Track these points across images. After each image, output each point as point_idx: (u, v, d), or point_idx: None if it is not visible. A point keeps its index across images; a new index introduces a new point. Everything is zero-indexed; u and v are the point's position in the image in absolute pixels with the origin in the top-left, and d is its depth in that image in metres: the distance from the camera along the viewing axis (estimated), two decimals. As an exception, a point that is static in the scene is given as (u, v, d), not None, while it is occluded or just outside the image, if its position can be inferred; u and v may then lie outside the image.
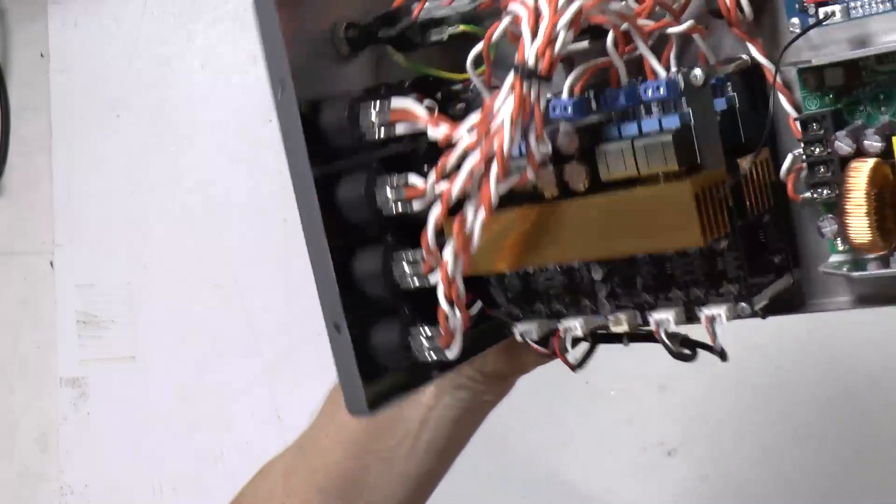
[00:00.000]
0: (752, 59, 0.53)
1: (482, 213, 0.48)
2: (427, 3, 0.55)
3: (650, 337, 0.54)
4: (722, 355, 0.54)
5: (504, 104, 0.47)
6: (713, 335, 0.52)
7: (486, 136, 0.47)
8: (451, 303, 0.49)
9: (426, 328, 0.52)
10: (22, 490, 1.37)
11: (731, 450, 1.05)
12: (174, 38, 1.34)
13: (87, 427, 1.38)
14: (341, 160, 0.52)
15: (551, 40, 0.47)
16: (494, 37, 0.50)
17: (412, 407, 0.66)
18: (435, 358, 0.52)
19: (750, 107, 0.53)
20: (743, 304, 0.51)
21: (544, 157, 0.50)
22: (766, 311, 0.52)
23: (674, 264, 0.52)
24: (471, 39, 0.54)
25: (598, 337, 0.56)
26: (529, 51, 0.47)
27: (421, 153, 0.54)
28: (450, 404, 0.66)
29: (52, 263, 1.40)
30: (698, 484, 1.07)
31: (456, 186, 0.48)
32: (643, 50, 0.51)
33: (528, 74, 0.46)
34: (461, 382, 0.65)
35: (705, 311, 0.52)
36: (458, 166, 0.48)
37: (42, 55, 1.40)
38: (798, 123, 0.51)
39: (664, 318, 0.52)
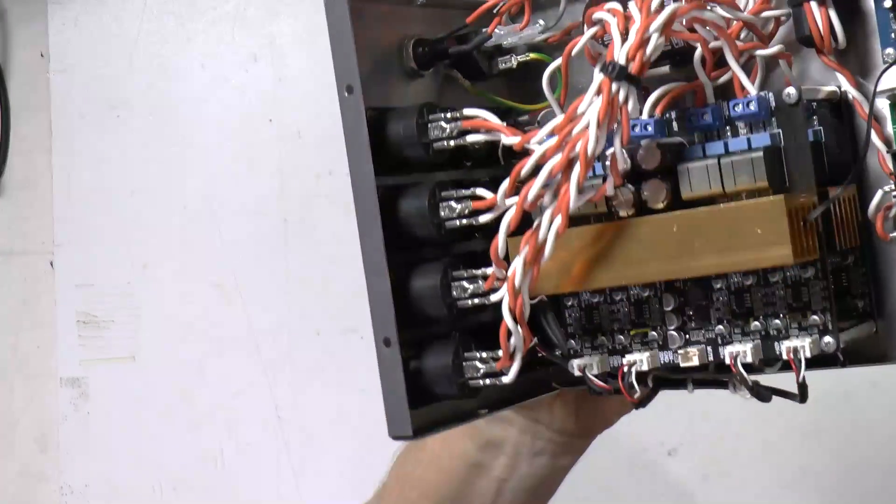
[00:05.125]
0: (842, 91, 0.49)
1: (558, 221, 0.45)
2: (496, 31, 0.53)
3: (717, 382, 0.51)
4: (802, 394, 0.49)
5: (590, 106, 0.45)
6: (797, 367, 0.48)
7: (568, 139, 0.45)
8: (514, 319, 0.47)
9: (481, 353, 0.49)
10: (22, 490, 1.37)
11: (731, 450, 1.05)
12: (174, 38, 1.34)
13: (87, 427, 1.38)
14: (406, 174, 0.50)
15: (643, 42, 0.45)
16: (575, 50, 0.49)
17: (485, 480, 0.62)
18: (488, 383, 0.49)
19: (836, 142, 0.50)
20: (828, 339, 0.48)
21: (626, 169, 0.48)
22: (846, 357, 0.48)
23: (753, 294, 0.49)
24: (536, 71, 0.53)
25: (661, 381, 0.52)
26: (620, 52, 0.45)
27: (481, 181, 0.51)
28: (526, 474, 0.62)
29: (52, 263, 1.40)
30: (698, 484, 1.07)
31: (534, 188, 0.45)
32: (733, 65, 0.48)
33: (618, 75, 0.44)
34: (540, 447, 0.62)
35: (786, 344, 0.48)
36: (534, 173, 0.45)
37: (42, 55, 1.40)
38: (890, 157, 0.48)
39: (741, 350, 0.49)
